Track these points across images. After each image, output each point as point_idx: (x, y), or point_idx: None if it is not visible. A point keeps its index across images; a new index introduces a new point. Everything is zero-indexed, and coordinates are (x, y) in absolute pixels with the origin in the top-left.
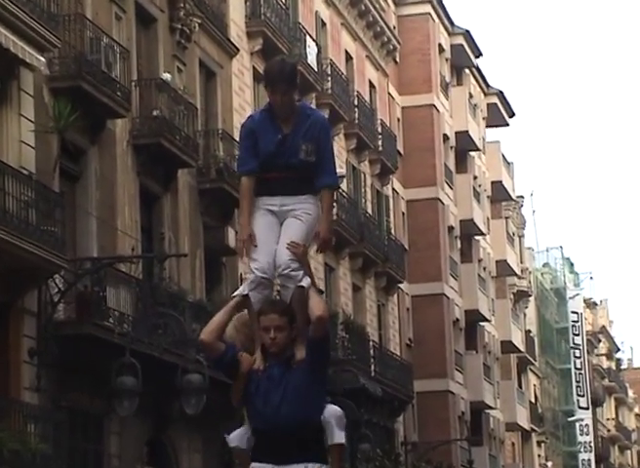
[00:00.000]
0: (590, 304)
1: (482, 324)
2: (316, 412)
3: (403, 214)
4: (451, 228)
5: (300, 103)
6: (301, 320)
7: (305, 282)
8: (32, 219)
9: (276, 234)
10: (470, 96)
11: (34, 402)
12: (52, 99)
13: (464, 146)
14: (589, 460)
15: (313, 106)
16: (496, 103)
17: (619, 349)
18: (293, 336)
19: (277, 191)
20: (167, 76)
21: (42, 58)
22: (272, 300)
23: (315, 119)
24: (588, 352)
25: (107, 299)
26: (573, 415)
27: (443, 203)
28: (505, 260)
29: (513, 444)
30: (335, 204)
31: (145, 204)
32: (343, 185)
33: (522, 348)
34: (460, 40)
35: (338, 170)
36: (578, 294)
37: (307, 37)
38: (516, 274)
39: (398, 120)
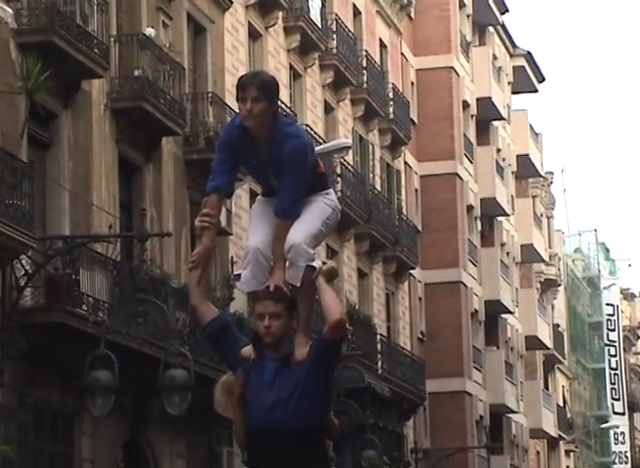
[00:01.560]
0: (628, 296)
1: (504, 316)
2: (316, 420)
3: (416, 190)
4: (470, 208)
5: (281, 122)
6: (307, 307)
7: (317, 263)
8: None
9: (272, 222)
10: (494, 57)
11: None
12: (20, 56)
13: (487, 115)
14: None
15: (297, 125)
16: (523, 66)
17: None
18: (293, 327)
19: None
20: (150, 31)
21: (9, 9)
22: (266, 288)
23: (291, 148)
24: (625, 350)
25: (80, 284)
26: (607, 422)
27: (462, 179)
28: (532, 245)
29: (538, 453)
30: (339, 178)
31: (125, 176)
32: (349, 158)
33: (549, 344)
34: None
35: (341, 141)
36: (613, 284)
37: None
38: (544, 260)
39: (412, 84)
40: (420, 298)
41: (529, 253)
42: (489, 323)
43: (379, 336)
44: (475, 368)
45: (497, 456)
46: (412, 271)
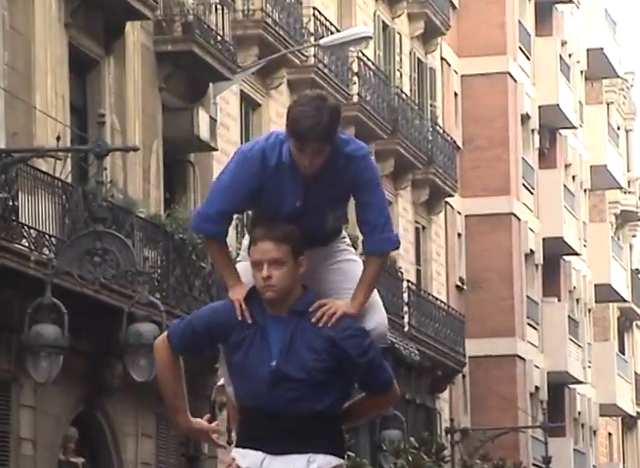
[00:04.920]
0: None
1: (568, 259)
2: (332, 403)
3: (456, 94)
4: (526, 117)
5: (338, 143)
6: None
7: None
8: None
9: None
10: None
11: None
12: None
13: None
14: None
15: (354, 139)
16: None
17: None
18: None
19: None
20: None
21: None
22: (269, 222)
23: (363, 168)
24: None
25: (20, 212)
26: None
27: (515, 80)
28: (605, 166)
29: (610, 434)
30: (355, 79)
31: (77, 72)
32: (369, 52)
33: (626, 296)
34: None
35: (359, 29)
36: None
37: None
38: (620, 187)
39: None
40: (459, 235)
41: (601, 178)
42: (548, 267)
43: (405, 284)
44: (530, 325)
45: (556, 439)
46: (449, 199)
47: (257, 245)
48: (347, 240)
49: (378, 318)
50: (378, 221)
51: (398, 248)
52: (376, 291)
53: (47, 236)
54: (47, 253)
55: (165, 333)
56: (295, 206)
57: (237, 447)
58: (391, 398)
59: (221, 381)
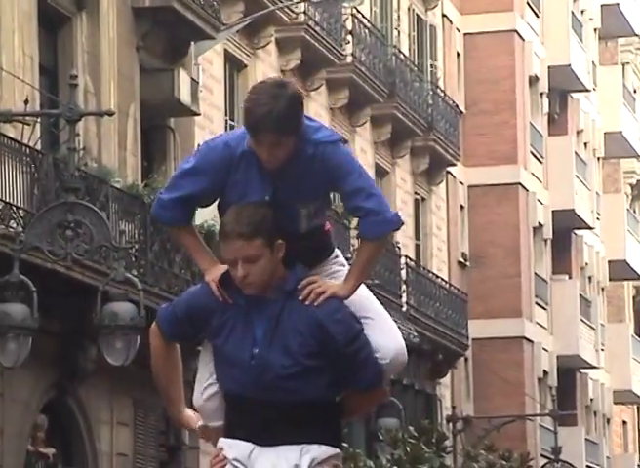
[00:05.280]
0: None
1: (580, 233)
2: (324, 390)
3: (458, 55)
4: (534, 79)
5: (307, 131)
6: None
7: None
8: None
9: None
10: None
11: None
12: None
13: None
14: None
15: (324, 125)
16: None
17: None
18: (284, 258)
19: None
20: None
21: None
22: (236, 210)
23: (322, 157)
24: None
25: None
26: None
27: (523, 38)
28: (620, 133)
29: (625, 423)
30: (349, 38)
31: (48, 30)
32: (364, 8)
33: None
34: None
35: None
36: None
37: None
38: (637, 155)
39: None
40: (461, 207)
41: (616, 145)
42: (558, 242)
43: (403, 260)
44: (538, 305)
45: (567, 428)
46: (451, 168)
47: (226, 242)
48: (340, 259)
49: (393, 345)
50: (367, 205)
51: (399, 228)
52: (381, 307)
53: (14, 208)
54: (14, 226)
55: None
56: (264, 200)
57: (225, 436)
58: (376, 397)
59: (201, 422)
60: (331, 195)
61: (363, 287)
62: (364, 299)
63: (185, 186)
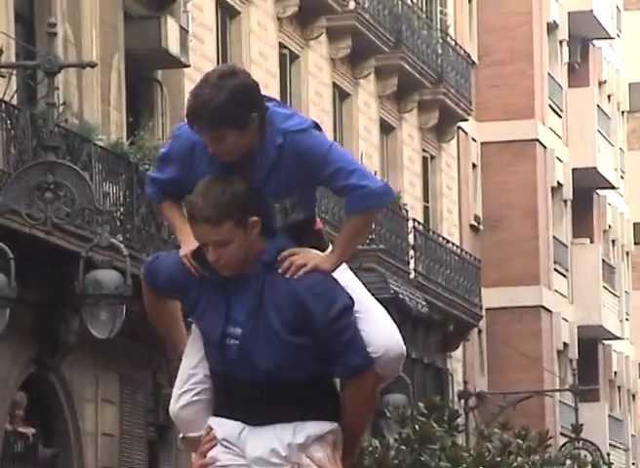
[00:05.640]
0: None
1: (602, 193)
2: (315, 370)
3: (470, 0)
4: (553, 26)
5: (274, 119)
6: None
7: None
8: None
9: None
10: None
11: None
12: None
13: None
14: None
15: (295, 112)
16: None
17: None
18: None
19: None
20: None
21: None
22: (202, 190)
23: (291, 148)
24: None
25: None
26: None
27: None
28: None
29: None
30: None
31: None
32: None
33: None
34: None
35: None
36: None
37: None
38: None
39: None
40: (474, 165)
41: None
42: (579, 203)
43: (411, 224)
44: (558, 271)
45: (589, 404)
46: (462, 124)
47: (194, 226)
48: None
49: (385, 339)
50: (350, 182)
51: (386, 201)
52: (378, 304)
53: None
54: None
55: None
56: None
57: (214, 415)
58: (364, 392)
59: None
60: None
61: (352, 276)
62: (352, 291)
63: (163, 170)
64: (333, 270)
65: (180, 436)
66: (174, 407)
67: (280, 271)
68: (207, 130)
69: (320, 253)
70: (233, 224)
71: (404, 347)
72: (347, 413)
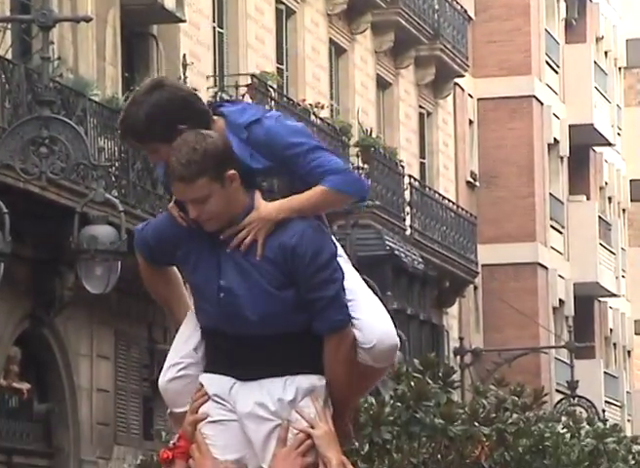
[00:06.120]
0: None
1: (599, 149)
2: (304, 321)
3: None
4: None
5: (231, 124)
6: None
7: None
8: None
9: None
10: None
11: None
12: None
13: None
14: None
15: (243, 105)
16: None
17: None
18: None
19: None
20: None
21: None
22: (177, 146)
23: (254, 139)
24: None
25: None
26: None
27: None
28: None
29: None
30: None
31: None
32: None
33: None
34: None
35: None
36: None
37: None
38: None
39: None
40: (470, 122)
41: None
42: (576, 159)
43: (407, 180)
44: (554, 228)
45: (584, 361)
46: (459, 80)
47: (172, 183)
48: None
49: (378, 328)
50: (313, 166)
51: (353, 193)
52: (370, 291)
53: None
54: None
55: None
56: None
57: (205, 371)
58: (340, 345)
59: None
60: None
61: (348, 265)
62: (347, 279)
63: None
64: (275, 218)
65: (168, 411)
66: (162, 380)
67: (228, 251)
68: (131, 144)
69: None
70: (208, 180)
71: (397, 338)
72: (327, 373)
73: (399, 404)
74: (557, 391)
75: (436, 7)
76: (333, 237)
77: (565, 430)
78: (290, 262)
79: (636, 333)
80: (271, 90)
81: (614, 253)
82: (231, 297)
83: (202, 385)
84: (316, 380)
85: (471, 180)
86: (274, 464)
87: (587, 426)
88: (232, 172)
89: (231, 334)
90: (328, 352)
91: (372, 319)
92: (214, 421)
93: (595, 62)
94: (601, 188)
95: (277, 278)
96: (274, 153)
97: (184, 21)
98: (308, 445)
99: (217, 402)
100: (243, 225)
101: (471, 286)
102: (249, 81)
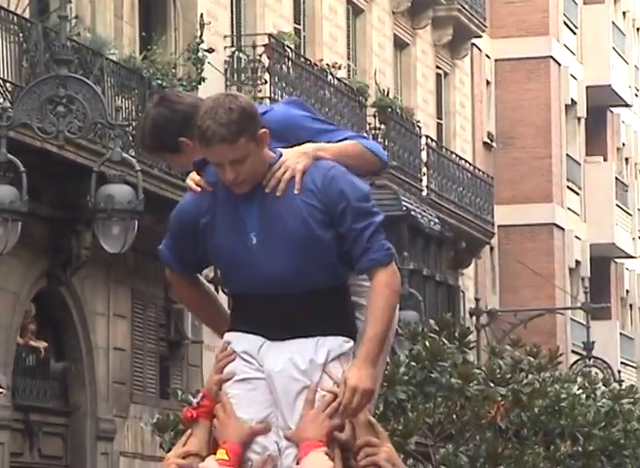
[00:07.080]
0: None
1: (616, 111)
2: (332, 275)
3: None
4: None
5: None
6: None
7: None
8: None
9: None
10: None
11: None
12: None
13: None
14: None
15: (268, 106)
16: None
17: None
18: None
19: None
20: None
21: None
22: (210, 110)
23: (285, 129)
24: None
25: None
26: None
27: None
28: None
29: None
30: None
31: None
32: None
33: None
34: None
35: None
36: None
37: None
38: None
39: None
40: (487, 82)
41: None
42: (593, 120)
43: (424, 140)
44: (570, 189)
45: (600, 322)
46: (476, 40)
47: (209, 148)
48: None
49: None
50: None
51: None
52: None
53: (1, 81)
54: (1, 101)
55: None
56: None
57: (231, 330)
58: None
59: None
60: None
61: None
62: None
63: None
64: (312, 153)
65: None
66: None
67: (267, 190)
68: (153, 156)
69: (304, 148)
70: (247, 139)
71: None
72: (372, 310)
73: (414, 363)
74: (573, 352)
75: None
76: None
77: (580, 391)
78: (330, 192)
79: None
80: (288, 50)
81: (630, 215)
82: (263, 248)
83: (228, 344)
84: (345, 343)
85: (488, 141)
86: (302, 426)
87: (603, 387)
88: (264, 130)
89: (261, 294)
90: (377, 285)
91: None
92: (240, 380)
93: (613, 23)
94: (618, 149)
95: (316, 215)
96: (289, 138)
97: None
98: (335, 407)
99: (244, 360)
100: (279, 165)
101: (487, 246)
102: (266, 41)
